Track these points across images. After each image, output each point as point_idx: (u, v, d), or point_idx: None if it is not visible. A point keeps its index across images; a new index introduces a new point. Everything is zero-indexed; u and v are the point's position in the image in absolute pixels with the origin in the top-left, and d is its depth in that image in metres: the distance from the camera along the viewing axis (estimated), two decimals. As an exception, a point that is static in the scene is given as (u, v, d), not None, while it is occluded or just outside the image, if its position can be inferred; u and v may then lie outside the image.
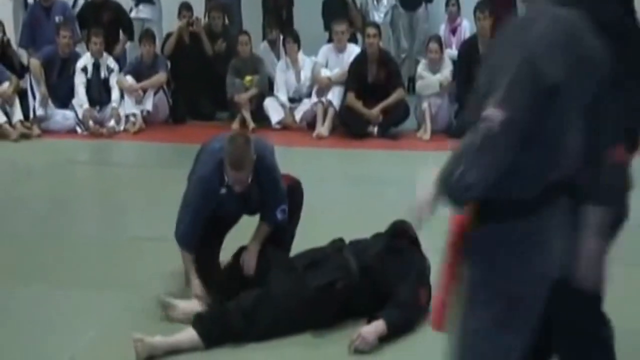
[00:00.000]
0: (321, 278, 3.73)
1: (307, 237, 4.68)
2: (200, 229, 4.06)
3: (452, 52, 9.07)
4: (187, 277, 4.09)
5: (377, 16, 9.90)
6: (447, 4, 9.80)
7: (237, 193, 3.99)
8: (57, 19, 9.02)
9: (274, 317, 3.63)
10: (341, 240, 4.06)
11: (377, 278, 3.80)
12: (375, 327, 3.61)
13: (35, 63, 8.60)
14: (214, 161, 4.03)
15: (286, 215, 4.16)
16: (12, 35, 9.43)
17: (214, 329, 3.57)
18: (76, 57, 8.83)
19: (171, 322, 3.79)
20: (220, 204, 4.08)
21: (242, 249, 4.09)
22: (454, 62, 8.59)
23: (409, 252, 4.00)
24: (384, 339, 3.64)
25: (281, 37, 9.25)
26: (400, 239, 4.03)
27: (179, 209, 4.15)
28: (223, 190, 4.04)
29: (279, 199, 4.15)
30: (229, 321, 3.59)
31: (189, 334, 3.56)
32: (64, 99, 8.71)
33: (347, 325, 3.77)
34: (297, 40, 8.82)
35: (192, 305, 3.88)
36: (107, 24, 9.24)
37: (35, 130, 8.33)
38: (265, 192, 4.09)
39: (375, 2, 10.08)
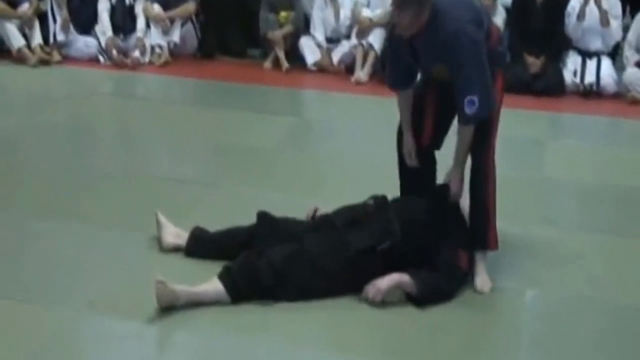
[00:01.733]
0: (363, 240, 3.66)
1: (344, 189, 4.69)
2: (406, 72, 3.95)
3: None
4: None
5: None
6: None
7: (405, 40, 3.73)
8: None
9: (308, 276, 3.57)
10: (383, 197, 3.94)
11: (419, 241, 3.73)
12: (391, 277, 3.59)
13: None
14: None
15: (478, 109, 3.62)
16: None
17: (242, 282, 3.51)
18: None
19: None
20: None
21: None
22: (507, 9, 8.48)
23: (451, 216, 3.93)
24: (420, 303, 3.61)
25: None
26: (442, 202, 3.95)
27: (467, 79, 3.67)
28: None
29: (466, 84, 3.63)
30: (259, 276, 3.52)
31: (214, 285, 3.51)
32: (86, 24, 8.68)
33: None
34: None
35: (181, 236, 4.00)
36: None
37: (56, 56, 8.33)
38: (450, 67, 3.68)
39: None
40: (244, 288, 3.52)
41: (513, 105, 7.43)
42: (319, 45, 8.73)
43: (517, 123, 6.90)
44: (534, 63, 7.98)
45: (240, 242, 3.86)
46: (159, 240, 4.08)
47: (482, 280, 3.81)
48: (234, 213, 4.34)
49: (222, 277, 3.53)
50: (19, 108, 6.96)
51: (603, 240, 4.51)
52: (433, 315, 3.56)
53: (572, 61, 8.19)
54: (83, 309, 3.49)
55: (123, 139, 6.36)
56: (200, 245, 4.00)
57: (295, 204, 4.35)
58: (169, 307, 3.44)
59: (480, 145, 3.83)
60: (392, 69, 4.07)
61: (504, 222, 3.99)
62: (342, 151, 5.94)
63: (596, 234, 4.58)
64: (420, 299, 3.61)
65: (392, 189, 4.14)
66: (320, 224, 3.87)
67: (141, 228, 4.27)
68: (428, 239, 3.74)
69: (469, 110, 3.61)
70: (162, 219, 4.10)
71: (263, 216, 3.96)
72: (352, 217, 3.82)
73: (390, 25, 4.14)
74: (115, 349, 3.24)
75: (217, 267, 3.65)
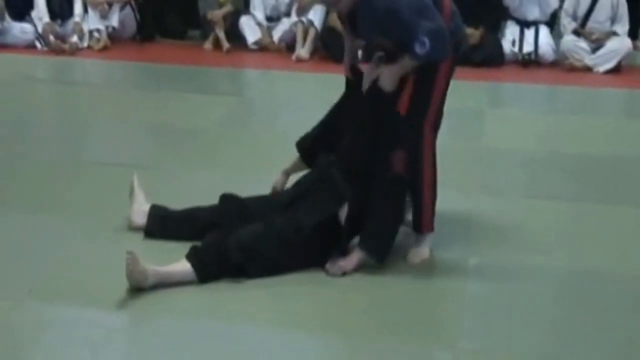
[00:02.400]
0: (319, 213, 3.66)
1: (285, 164, 4.69)
2: None
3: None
4: None
5: None
6: None
7: None
8: None
9: (275, 253, 3.58)
10: (329, 160, 3.89)
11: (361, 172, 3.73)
12: (352, 261, 3.63)
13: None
14: None
15: (430, 50, 3.54)
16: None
17: (210, 262, 3.50)
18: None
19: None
20: None
21: None
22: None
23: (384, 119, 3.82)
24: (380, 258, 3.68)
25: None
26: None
27: (412, 29, 3.58)
28: None
29: (412, 34, 3.56)
30: (228, 255, 3.51)
31: (181, 266, 3.47)
32: (21, 10, 8.57)
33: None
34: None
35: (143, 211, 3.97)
36: None
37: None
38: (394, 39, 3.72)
39: None
40: (213, 268, 3.49)
41: (454, 75, 7.53)
42: (259, 24, 8.73)
43: (457, 94, 6.86)
44: (472, 34, 8.03)
45: (205, 223, 3.83)
46: (130, 211, 4.02)
47: (413, 252, 3.85)
48: (177, 195, 4.33)
49: (190, 257, 3.50)
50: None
51: (545, 207, 4.54)
52: (376, 288, 3.58)
53: (511, 31, 8.32)
54: (23, 299, 3.40)
55: (63, 125, 6.27)
56: (161, 225, 3.96)
57: (239, 183, 4.34)
58: (137, 288, 3.39)
59: (418, 113, 3.78)
60: None
61: (446, 192, 3.99)
62: (285, 129, 5.91)
63: (538, 201, 4.61)
64: (380, 255, 3.67)
65: None
66: (282, 201, 3.84)
67: (85, 214, 4.24)
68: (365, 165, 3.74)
69: (419, 49, 3.54)
70: (136, 184, 4.06)
71: (228, 197, 3.95)
72: (306, 190, 3.81)
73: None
74: (52, 336, 3.17)
75: (176, 250, 3.63)
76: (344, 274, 3.61)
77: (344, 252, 3.69)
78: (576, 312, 3.44)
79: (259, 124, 6.30)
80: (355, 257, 3.66)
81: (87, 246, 3.91)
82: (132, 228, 4.00)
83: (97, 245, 3.91)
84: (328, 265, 3.62)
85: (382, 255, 3.68)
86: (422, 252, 3.85)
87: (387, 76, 3.72)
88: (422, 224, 3.88)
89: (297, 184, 3.95)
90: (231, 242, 3.55)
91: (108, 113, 6.36)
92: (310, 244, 3.64)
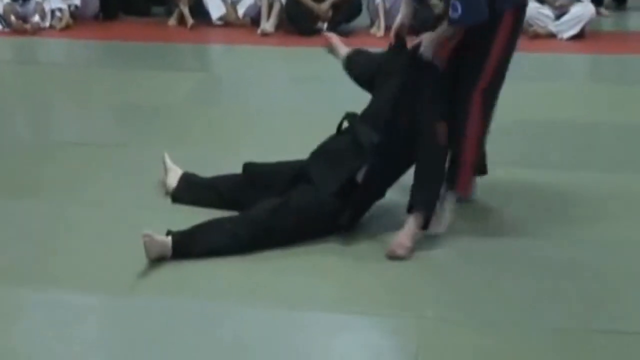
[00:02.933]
0: (336, 181, 3.67)
1: (257, 140, 4.72)
2: None
3: (407, -59, 8.98)
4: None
5: None
6: None
7: None
8: None
9: (295, 224, 3.61)
10: (353, 115, 3.91)
11: (395, 132, 3.74)
12: (408, 233, 3.62)
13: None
14: None
15: (461, 14, 3.66)
16: None
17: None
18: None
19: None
20: None
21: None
22: (410, -47, 8.52)
23: (426, 83, 3.85)
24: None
25: None
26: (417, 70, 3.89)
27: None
28: None
29: None
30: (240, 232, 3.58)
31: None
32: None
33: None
34: None
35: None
36: None
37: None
38: None
39: None
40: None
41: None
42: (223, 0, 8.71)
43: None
44: (437, 4, 8.05)
45: (224, 191, 3.94)
46: (163, 184, 4.13)
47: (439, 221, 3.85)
48: (144, 171, 4.36)
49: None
50: None
51: (522, 174, 4.56)
52: (351, 261, 3.59)
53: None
54: (4, 284, 3.37)
55: (27, 106, 6.23)
56: (188, 192, 4.06)
57: (209, 159, 4.39)
58: (159, 259, 3.44)
59: (470, 79, 3.83)
60: None
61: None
62: (252, 103, 5.95)
63: (507, 167, 4.55)
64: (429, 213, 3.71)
65: (304, 136, 4.16)
66: (298, 175, 3.81)
67: (59, 194, 4.24)
68: (404, 124, 3.75)
69: (452, 13, 3.66)
70: (169, 162, 4.17)
71: (249, 166, 3.99)
72: (326, 158, 3.81)
73: None
74: (28, 318, 3.17)
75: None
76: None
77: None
78: (536, 279, 3.46)
79: (226, 99, 6.30)
80: (410, 228, 3.65)
81: (65, 225, 3.90)
82: (168, 193, 4.10)
83: (74, 224, 3.91)
84: (391, 251, 3.58)
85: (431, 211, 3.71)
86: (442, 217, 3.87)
87: (427, 42, 3.80)
88: (458, 182, 3.89)
89: (315, 156, 3.90)
90: (247, 219, 3.61)
91: (73, 93, 6.32)
92: (325, 216, 3.65)
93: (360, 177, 3.68)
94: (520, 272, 3.51)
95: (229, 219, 3.67)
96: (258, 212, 3.63)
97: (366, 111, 3.90)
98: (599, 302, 3.30)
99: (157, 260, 3.44)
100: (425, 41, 3.81)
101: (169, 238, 3.48)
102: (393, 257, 3.57)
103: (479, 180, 4.14)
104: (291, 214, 3.62)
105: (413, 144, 3.73)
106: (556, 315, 3.21)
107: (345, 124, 3.91)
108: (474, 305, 3.29)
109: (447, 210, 3.89)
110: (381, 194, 3.84)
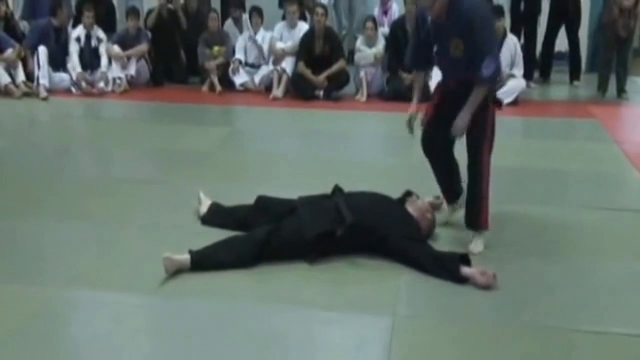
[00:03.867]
0: (321, 226, 3.57)
1: (272, 178, 4.70)
2: (423, 55, 3.92)
3: (384, 29, 9.04)
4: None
5: (323, -1, 9.83)
6: (380, -10, 9.77)
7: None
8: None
9: (281, 248, 3.56)
10: (340, 189, 3.85)
11: (366, 228, 3.62)
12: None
13: (42, 50, 8.31)
14: None
15: (492, 73, 3.52)
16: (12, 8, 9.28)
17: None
18: (68, 28, 8.67)
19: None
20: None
21: None
22: (386, 38, 8.56)
23: (396, 210, 3.82)
24: None
25: (243, 15, 9.13)
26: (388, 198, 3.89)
27: (489, 45, 3.58)
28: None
29: (484, 46, 3.52)
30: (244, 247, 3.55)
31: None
32: (58, 63, 8.50)
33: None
34: (261, 15, 8.81)
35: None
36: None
37: (42, 93, 8.03)
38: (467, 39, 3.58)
39: (321, -13, 9.99)
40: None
41: (392, 109, 7.59)
42: (245, 70, 8.74)
43: (394, 123, 6.92)
44: (407, 77, 8.10)
45: (241, 217, 3.92)
46: (197, 213, 4.13)
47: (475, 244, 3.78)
48: (183, 203, 4.33)
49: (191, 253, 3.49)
50: (6, 131, 6.79)
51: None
52: (335, 269, 3.56)
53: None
54: (63, 287, 3.34)
55: (92, 150, 6.23)
56: (214, 217, 4.05)
57: (233, 192, 4.35)
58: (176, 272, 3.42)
59: (477, 144, 3.76)
60: (413, 52, 4.00)
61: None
62: (265, 150, 5.96)
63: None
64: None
65: (306, 176, 4.14)
66: (292, 211, 3.73)
67: (109, 219, 4.21)
68: (375, 227, 3.63)
69: (486, 71, 3.50)
70: (202, 196, 4.17)
71: (259, 199, 3.97)
72: (313, 205, 3.73)
73: (416, 13, 4.01)
74: (82, 317, 3.11)
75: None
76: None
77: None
78: (508, 285, 3.37)
79: (247, 147, 6.29)
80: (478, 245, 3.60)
81: (119, 243, 3.88)
82: (200, 217, 4.11)
83: (126, 242, 3.89)
84: (480, 282, 3.34)
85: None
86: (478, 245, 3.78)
87: (462, 123, 3.66)
88: (481, 223, 3.80)
89: (310, 197, 3.86)
90: (249, 241, 3.58)
91: (128, 141, 6.31)
92: (306, 245, 3.56)
93: (339, 232, 3.58)
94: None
95: (235, 239, 3.63)
96: (256, 236, 3.59)
97: (353, 197, 3.78)
98: (571, 305, 3.23)
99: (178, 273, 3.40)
100: (461, 122, 3.67)
101: (188, 256, 3.45)
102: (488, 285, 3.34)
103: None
104: (280, 240, 3.56)
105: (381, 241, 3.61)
106: (532, 314, 3.13)
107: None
108: (446, 305, 3.23)
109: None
110: (354, 250, 3.65)
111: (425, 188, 4.56)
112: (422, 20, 3.81)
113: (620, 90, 8.35)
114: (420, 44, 3.91)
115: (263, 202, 3.97)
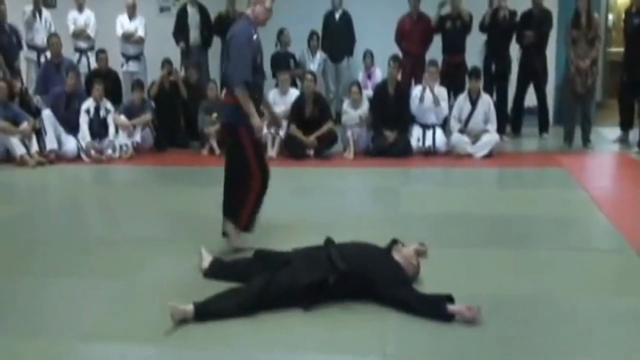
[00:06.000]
0: (315, 274, 3.59)
1: (263, 237, 4.70)
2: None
3: (368, 92, 9.21)
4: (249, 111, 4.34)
5: (312, 66, 9.98)
6: (364, 57, 9.95)
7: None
8: (64, 72, 8.94)
9: (277, 297, 3.57)
10: (331, 241, 3.83)
11: (357, 276, 3.64)
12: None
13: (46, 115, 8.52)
14: (244, 22, 4.44)
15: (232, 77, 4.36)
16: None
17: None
18: (79, 94, 8.79)
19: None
20: (255, 49, 4.39)
21: None
22: (370, 100, 8.71)
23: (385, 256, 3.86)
24: None
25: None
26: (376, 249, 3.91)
27: (230, 65, 4.32)
28: (255, 37, 4.38)
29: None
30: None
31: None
32: (70, 126, 8.59)
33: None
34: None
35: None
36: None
37: (50, 157, 8.22)
38: None
39: (310, 56, 10.17)
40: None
41: (377, 164, 7.68)
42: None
43: (379, 178, 7.12)
44: (390, 135, 8.22)
45: (240, 271, 3.93)
46: (200, 267, 4.14)
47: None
48: (186, 258, 4.36)
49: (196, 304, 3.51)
50: (23, 198, 6.84)
51: (450, 252, 4.54)
52: (330, 315, 3.57)
53: (416, 132, 8.45)
54: (74, 340, 3.34)
55: (102, 212, 6.29)
56: (216, 271, 4.07)
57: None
58: (182, 321, 3.43)
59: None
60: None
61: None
62: (263, 208, 5.95)
63: (443, 249, 4.55)
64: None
65: (299, 229, 4.16)
66: (287, 261, 3.75)
67: (119, 275, 4.24)
68: (365, 274, 3.65)
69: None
70: (204, 252, 4.22)
71: (257, 253, 4.03)
72: (307, 256, 3.75)
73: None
74: None
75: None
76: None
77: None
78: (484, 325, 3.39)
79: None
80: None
81: (127, 296, 3.90)
82: (202, 271, 4.13)
83: (135, 295, 3.90)
84: (467, 316, 3.38)
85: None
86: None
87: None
88: (239, 220, 4.39)
89: (304, 249, 3.87)
90: (247, 291, 3.59)
91: (134, 203, 6.35)
92: (301, 293, 3.58)
93: (332, 280, 3.60)
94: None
95: (235, 290, 3.64)
96: (254, 285, 3.60)
97: (344, 247, 3.80)
98: (555, 341, 3.22)
99: (183, 322, 3.42)
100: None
101: (192, 306, 3.47)
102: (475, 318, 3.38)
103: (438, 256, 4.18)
104: (276, 289, 3.58)
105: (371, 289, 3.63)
106: (518, 351, 3.12)
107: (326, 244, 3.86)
108: (434, 344, 3.22)
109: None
110: (345, 296, 3.63)
111: (411, 236, 4.60)
112: None
113: (586, 140, 8.50)
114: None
115: (260, 255, 4.01)
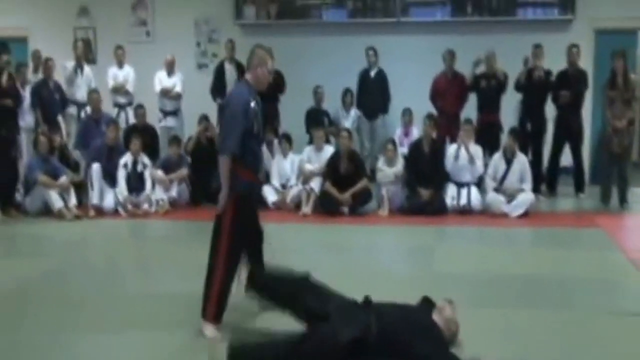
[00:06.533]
0: (353, 332, 3.55)
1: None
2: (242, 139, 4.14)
3: (403, 149, 9.33)
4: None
5: (346, 123, 10.15)
6: (402, 114, 10.07)
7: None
8: (103, 127, 9.22)
9: (317, 353, 3.54)
10: (369, 301, 3.80)
11: (393, 341, 3.56)
12: None
13: (95, 169, 8.73)
14: (242, 88, 4.26)
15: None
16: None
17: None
18: (119, 148, 9.01)
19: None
20: (252, 116, 4.16)
21: None
22: (405, 158, 8.82)
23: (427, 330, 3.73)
24: None
25: (275, 140, 9.50)
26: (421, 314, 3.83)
27: (222, 132, 4.27)
28: (252, 104, 4.16)
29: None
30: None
31: None
32: (112, 179, 8.77)
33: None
34: (290, 141, 9.16)
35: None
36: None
37: (91, 213, 8.43)
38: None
39: (344, 113, 10.37)
40: None
41: (411, 222, 7.73)
42: (276, 190, 9.00)
43: (413, 235, 7.18)
44: (425, 193, 8.31)
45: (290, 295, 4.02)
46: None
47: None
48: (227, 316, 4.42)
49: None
50: (61, 251, 6.94)
51: (485, 312, 4.53)
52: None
53: (451, 190, 8.50)
54: None
55: (140, 268, 6.39)
56: (260, 288, 4.22)
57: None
58: None
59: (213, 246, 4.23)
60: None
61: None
62: (296, 263, 6.00)
63: (476, 309, 4.53)
64: None
65: (335, 286, 4.20)
66: (329, 314, 3.75)
67: (156, 329, 4.34)
68: (405, 338, 3.59)
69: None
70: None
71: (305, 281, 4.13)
72: (348, 314, 3.73)
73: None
74: None
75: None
76: None
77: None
78: None
79: (278, 260, 6.37)
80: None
81: (159, 350, 3.96)
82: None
83: (165, 349, 3.97)
84: None
85: None
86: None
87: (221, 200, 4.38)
88: (207, 312, 4.14)
89: (344, 305, 3.87)
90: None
91: (169, 258, 6.41)
92: (339, 350, 3.55)
93: (371, 340, 3.55)
94: None
95: (273, 341, 3.73)
96: (292, 338, 3.65)
97: (385, 308, 3.78)
98: None
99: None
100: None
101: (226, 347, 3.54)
102: None
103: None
104: (314, 344, 3.56)
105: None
106: None
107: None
108: None
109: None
110: (386, 357, 3.54)
111: (444, 295, 4.60)
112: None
113: (622, 201, 8.50)
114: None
115: (310, 288, 4.06)
